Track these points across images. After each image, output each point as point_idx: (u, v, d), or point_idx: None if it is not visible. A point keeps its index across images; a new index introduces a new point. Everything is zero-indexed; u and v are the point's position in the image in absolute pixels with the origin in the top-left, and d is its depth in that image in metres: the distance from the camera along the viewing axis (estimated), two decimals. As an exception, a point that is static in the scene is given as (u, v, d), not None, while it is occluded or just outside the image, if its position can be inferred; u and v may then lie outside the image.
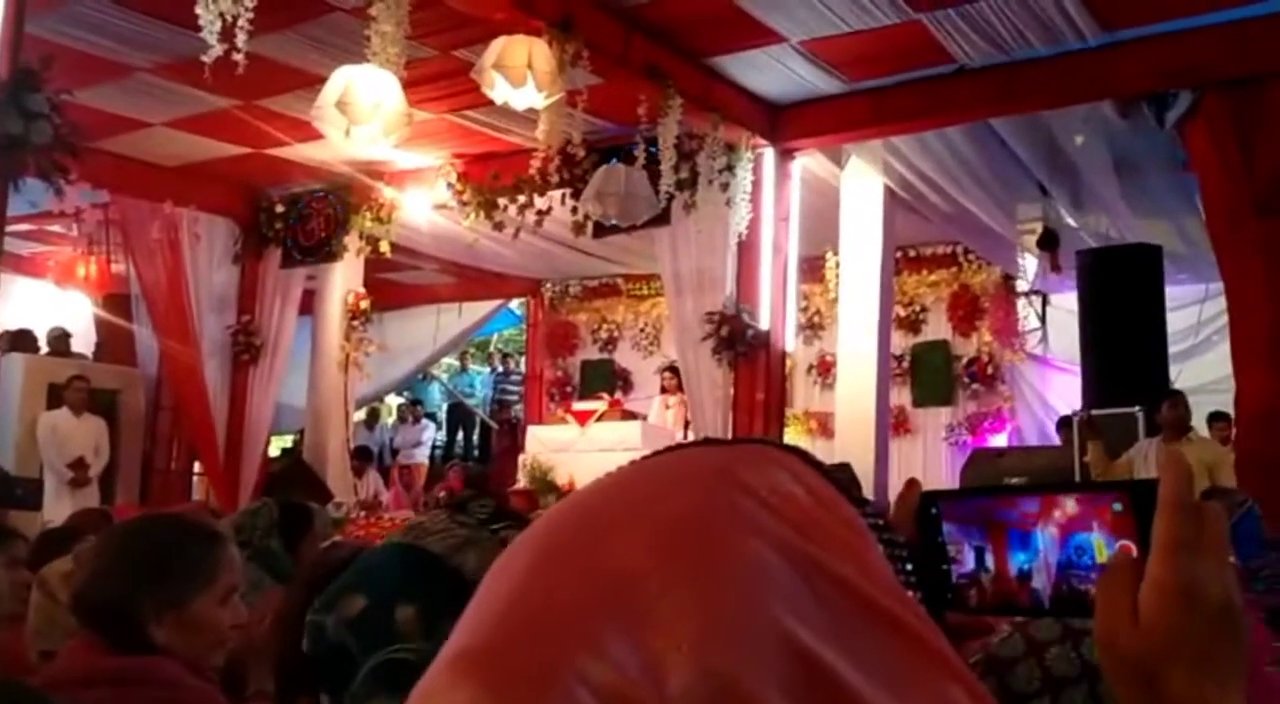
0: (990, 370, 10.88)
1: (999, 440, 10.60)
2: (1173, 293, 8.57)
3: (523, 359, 14.67)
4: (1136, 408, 6.97)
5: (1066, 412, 8.50)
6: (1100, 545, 0.72)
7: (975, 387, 10.90)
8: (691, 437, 8.82)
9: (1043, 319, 11.04)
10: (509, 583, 0.49)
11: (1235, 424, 7.24)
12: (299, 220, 9.78)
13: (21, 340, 9.98)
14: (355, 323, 9.86)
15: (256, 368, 9.85)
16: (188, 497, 10.26)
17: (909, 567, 0.60)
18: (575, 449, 8.90)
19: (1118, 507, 0.72)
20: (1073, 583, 0.73)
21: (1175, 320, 8.83)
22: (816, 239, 8.94)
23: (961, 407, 11.00)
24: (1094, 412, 7.21)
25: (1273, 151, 6.50)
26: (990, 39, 6.74)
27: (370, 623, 1.02)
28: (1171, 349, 8.23)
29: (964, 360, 11.04)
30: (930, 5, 6.38)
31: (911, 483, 0.80)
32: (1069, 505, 0.75)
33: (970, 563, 0.77)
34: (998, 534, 0.76)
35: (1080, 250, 8.40)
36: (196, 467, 10.44)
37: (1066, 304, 9.64)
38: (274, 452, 12.05)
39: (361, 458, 10.74)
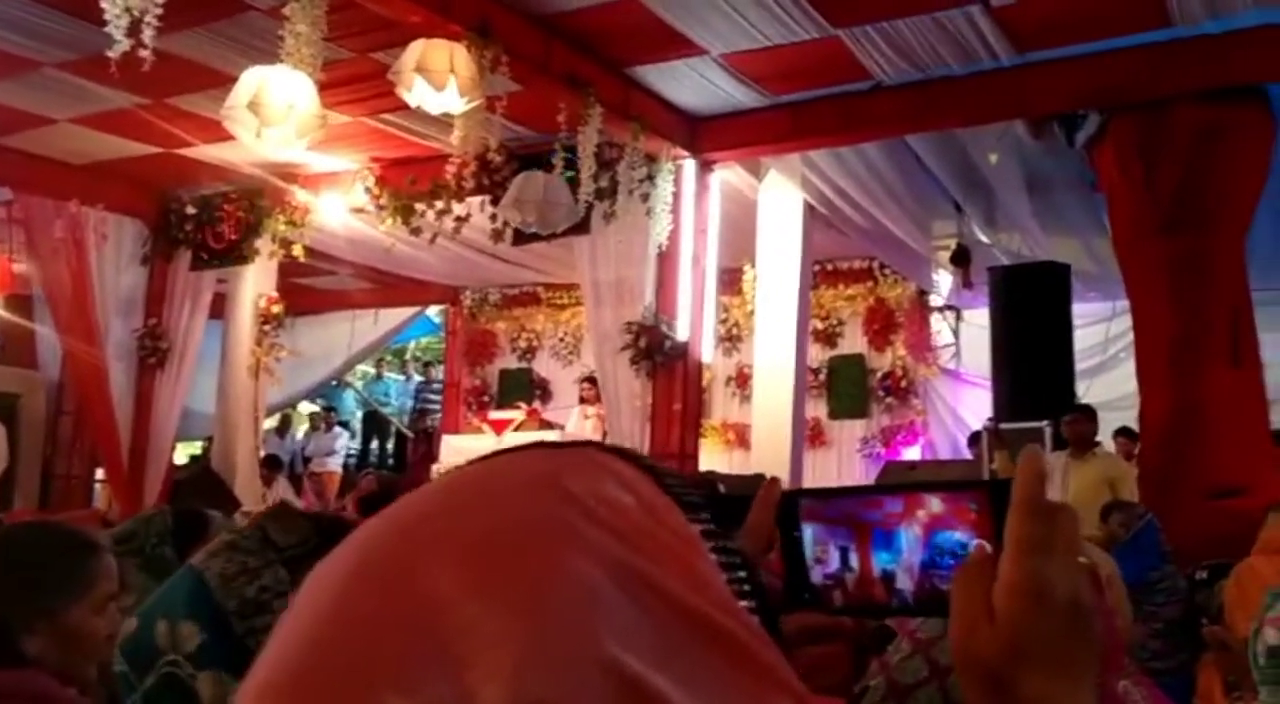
0: (904, 384, 11.02)
1: (912, 453, 10.75)
2: (1081, 310, 8.77)
3: (441, 368, 14.53)
4: (1044, 422, 7.10)
5: (978, 426, 8.64)
6: (963, 545, 0.73)
7: (889, 400, 11.04)
8: (608, 447, 8.78)
9: (956, 334, 11.23)
10: (316, 608, 0.45)
11: (1139, 439, 7.43)
12: (210, 222, 9.56)
13: (-86, 341, 9.67)
14: (267, 328, 9.67)
15: (164, 372, 9.61)
16: (88, 504, 9.97)
17: (743, 574, 0.58)
18: (491, 459, 8.81)
19: (973, 506, 0.72)
20: (935, 583, 0.73)
21: (1083, 337, 9.04)
22: (735, 251, 8.99)
23: (876, 419, 11.13)
24: (1002, 425, 7.34)
25: (1175, 173, 6.68)
26: (907, 57, 6.83)
27: (136, 643, 1.07)
28: (1079, 365, 8.42)
29: (879, 374, 11.18)
30: (849, 22, 6.45)
31: (773, 482, 0.79)
32: (933, 505, 0.75)
33: (835, 563, 0.76)
34: (862, 534, 0.76)
35: (992, 267, 8.56)
36: (99, 473, 10.14)
37: (979, 319, 9.81)
38: (181, 458, 11.78)
39: (271, 466, 10.52)
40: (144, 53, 4.73)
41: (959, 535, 0.74)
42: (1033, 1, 6.11)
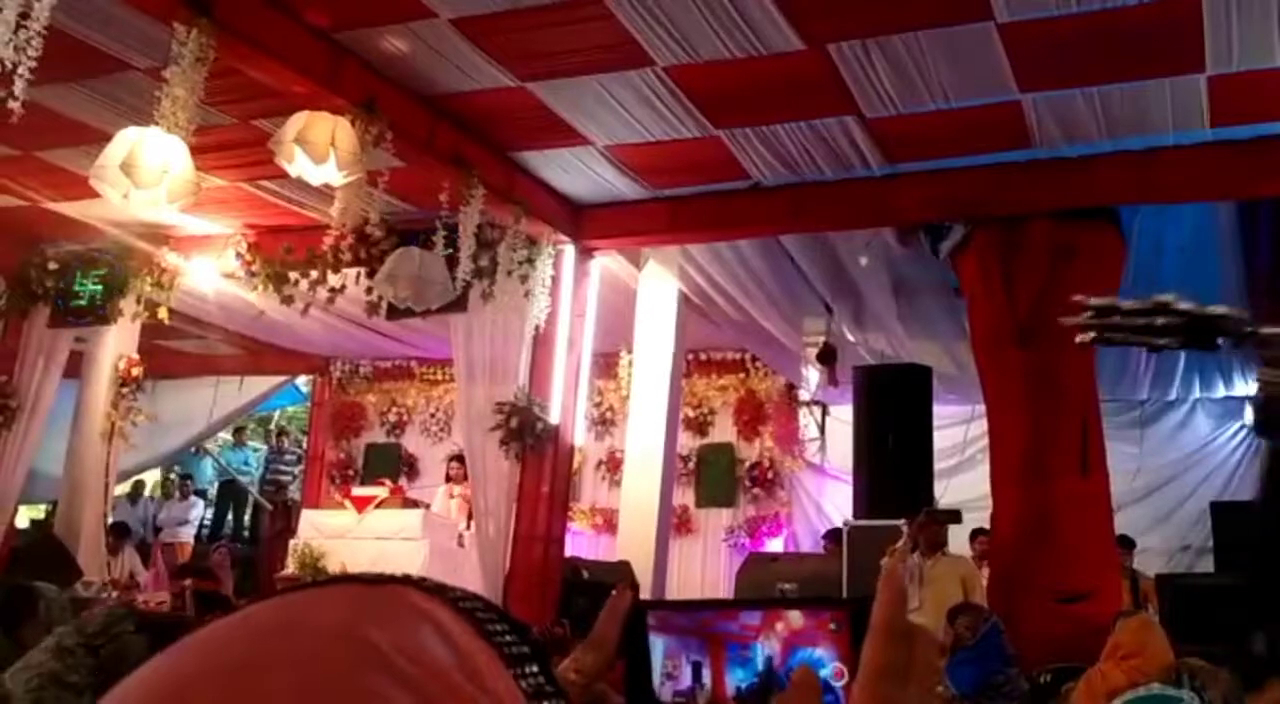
0: (771, 475, 11.17)
1: (775, 544, 10.85)
2: (941, 411, 9.03)
3: (304, 438, 14.19)
4: (901, 521, 7.25)
5: (839, 520, 8.78)
6: (824, 663, 0.70)
7: (756, 490, 11.17)
8: (474, 528, 8.68)
9: (822, 429, 11.46)
10: None
11: (991, 540, 7.64)
12: (72, 279, 9.24)
13: None
14: (125, 390, 9.33)
15: (10, 431, 9.16)
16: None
17: None
18: (351, 536, 8.61)
19: (834, 625, 0.71)
20: None
21: (943, 438, 9.29)
22: (613, 336, 9.06)
23: (742, 509, 11.23)
24: (859, 523, 7.49)
25: (1033, 287, 6.99)
26: (784, 160, 7.06)
27: None
28: (938, 465, 8.64)
29: (747, 464, 11.31)
30: (729, 123, 6.65)
31: (622, 592, 0.76)
32: (793, 618, 0.72)
33: (687, 679, 0.73)
34: (716, 648, 0.73)
35: (858, 366, 8.78)
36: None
37: (845, 415, 10.04)
38: (23, 522, 11.20)
39: (118, 534, 10.08)
40: (14, 105, 4.60)
41: (820, 652, 0.72)
42: (904, 116, 6.39)
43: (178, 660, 0.44)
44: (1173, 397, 11.11)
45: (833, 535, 8.33)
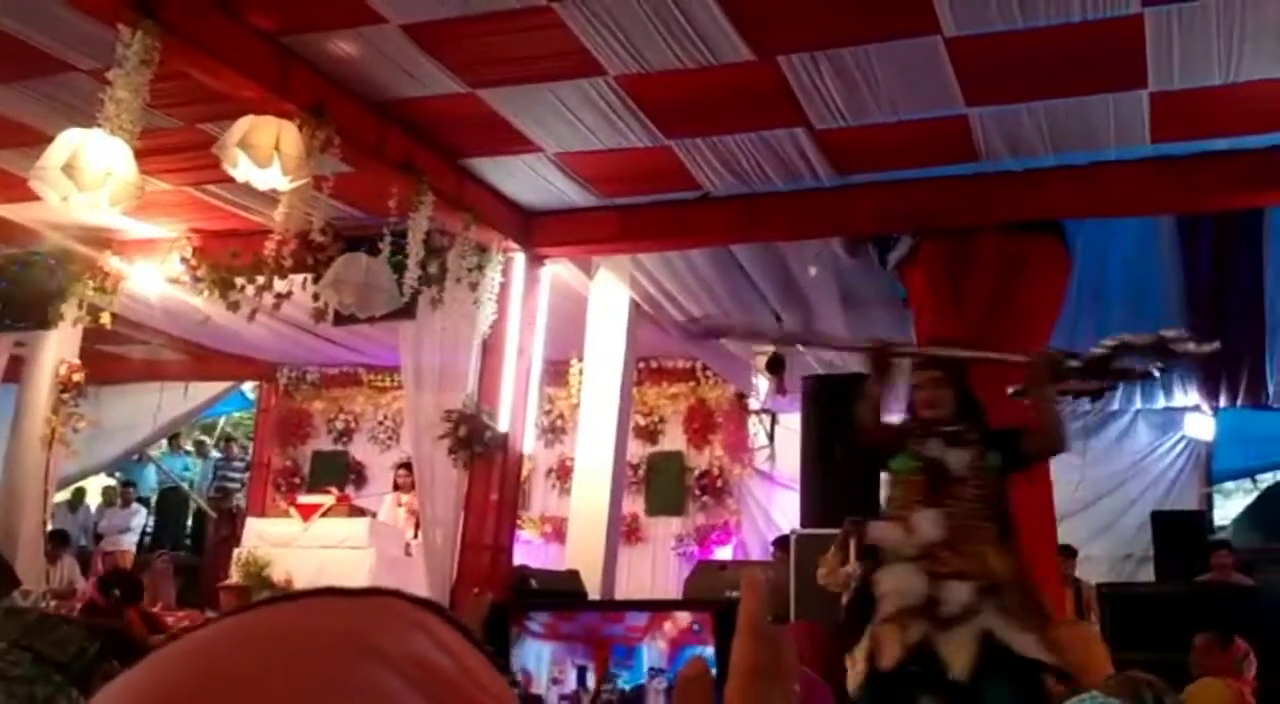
0: (720, 483, 11.20)
1: (725, 552, 10.88)
2: (889, 421, 9.10)
3: (250, 445, 14.02)
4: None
5: (788, 527, 8.81)
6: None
7: (705, 499, 11.19)
8: (421, 537, 8.62)
9: (771, 437, 11.50)
10: None
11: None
12: (11, 283, 9.06)
13: None
14: (66, 396, 9.16)
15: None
16: None
17: None
18: (296, 545, 8.50)
19: (697, 627, 0.74)
20: None
21: (890, 447, 9.36)
22: (564, 344, 9.04)
23: (692, 517, 11.25)
24: (806, 531, 7.52)
25: (980, 298, 7.08)
26: (734, 171, 7.09)
27: None
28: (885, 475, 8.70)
29: (696, 472, 11.33)
30: (680, 133, 6.67)
31: (480, 593, 0.78)
32: (681, 617, 0.75)
33: (572, 683, 0.75)
34: (601, 651, 0.75)
35: (806, 375, 8.83)
36: None
37: (794, 424, 10.08)
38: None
39: (57, 542, 9.90)
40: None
41: (710, 650, 0.74)
42: (853, 128, 6.44)
43: (171, 672, 0.44)
44: (1115, 408, 11.28)
45: (781, 543, 8.36)
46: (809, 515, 7.85)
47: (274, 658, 0.44)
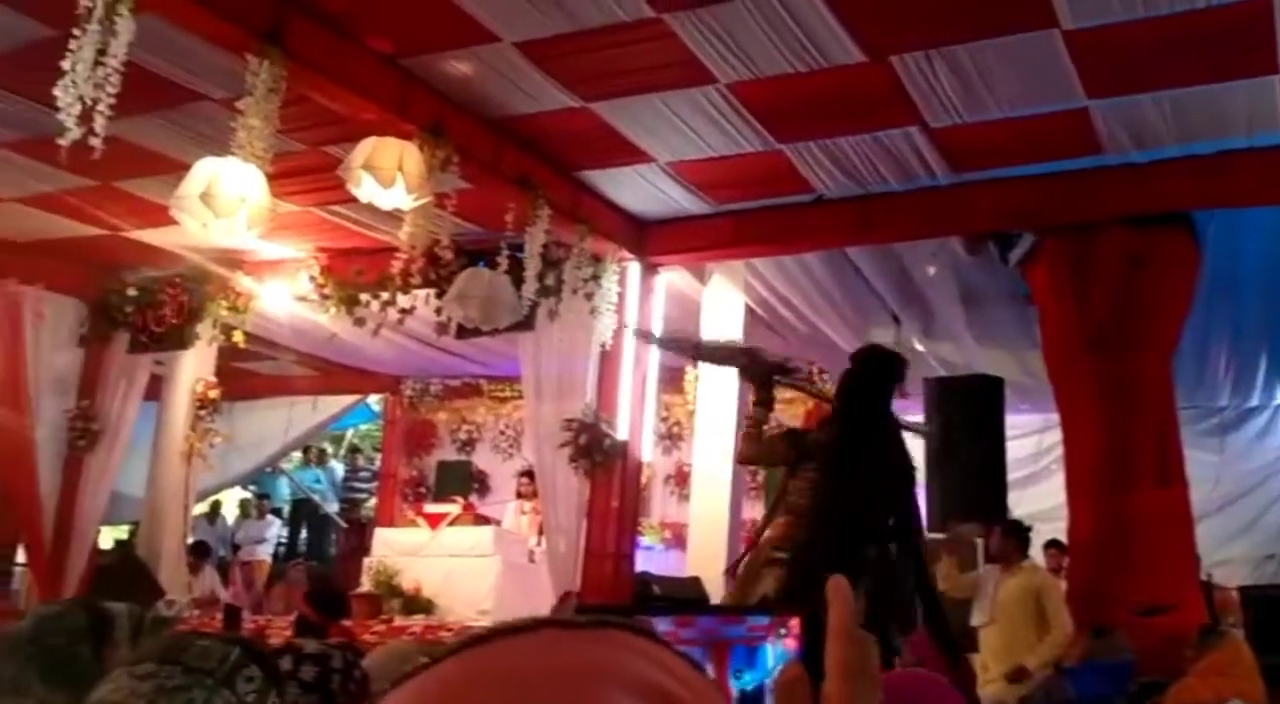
0: (841, 488, 11.08)
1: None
2: (1015, 421, 8.92)
3: (376, 456, 14.38)
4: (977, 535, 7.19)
5: (912, 532, 8.69)
6: None
7: (826, 504, 11.08)
8: (545, 543, 8.73)
9: (892, 440, 11.33)
10: None
11: (1068, 553, 7.53)
12: (151, 305, 9.47)
13: None
14: (203, 412, 9.55)
15: (93, 455, 9.41)
16: (7, 588, 9.67)
17: None
18: (424, 553, 8.70)
19: (782, 631, 0.76)
20: None
21: (1016, 448, 9.18)
22: (678, 351, 9.07)
23: (812, 522, 11.15)
24: (932, 535, 7.42)
25: (1106, 295, 6.90)
26: (848, 172, 7.04)
27: None
28: (1012, 475, 8.53)
29: (816, 477, 11.22)
30: (792, 138, 6.65)
31: (568, 596, 0.80)
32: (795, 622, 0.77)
33: None
34: (720, 651, 0.76)
35: (927, 377, 8.71)
36: (20, 556, 9.85)
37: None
38: (107, 543, 11.48)
39: (198, 553, 10.30)
40: (95, 141, 4.72)
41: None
42: (969, 125, 6.34)
43: None
44: (1254, 403, 10.86)
45: (905, 549, 8.25)
46: (933, 518, 7.74)
47: (531, 697, 0.47)
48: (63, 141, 4.58)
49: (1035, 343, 7.99)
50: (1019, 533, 6.88)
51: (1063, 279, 7.13)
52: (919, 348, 9.46)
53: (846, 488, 4.78)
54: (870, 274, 8.48)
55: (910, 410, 9.75)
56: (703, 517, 8.46)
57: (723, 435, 8.41)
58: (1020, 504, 8.60)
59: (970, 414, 7.90)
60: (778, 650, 0.75)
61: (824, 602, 0.70)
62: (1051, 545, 8.43)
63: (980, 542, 7.62)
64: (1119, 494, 6.70)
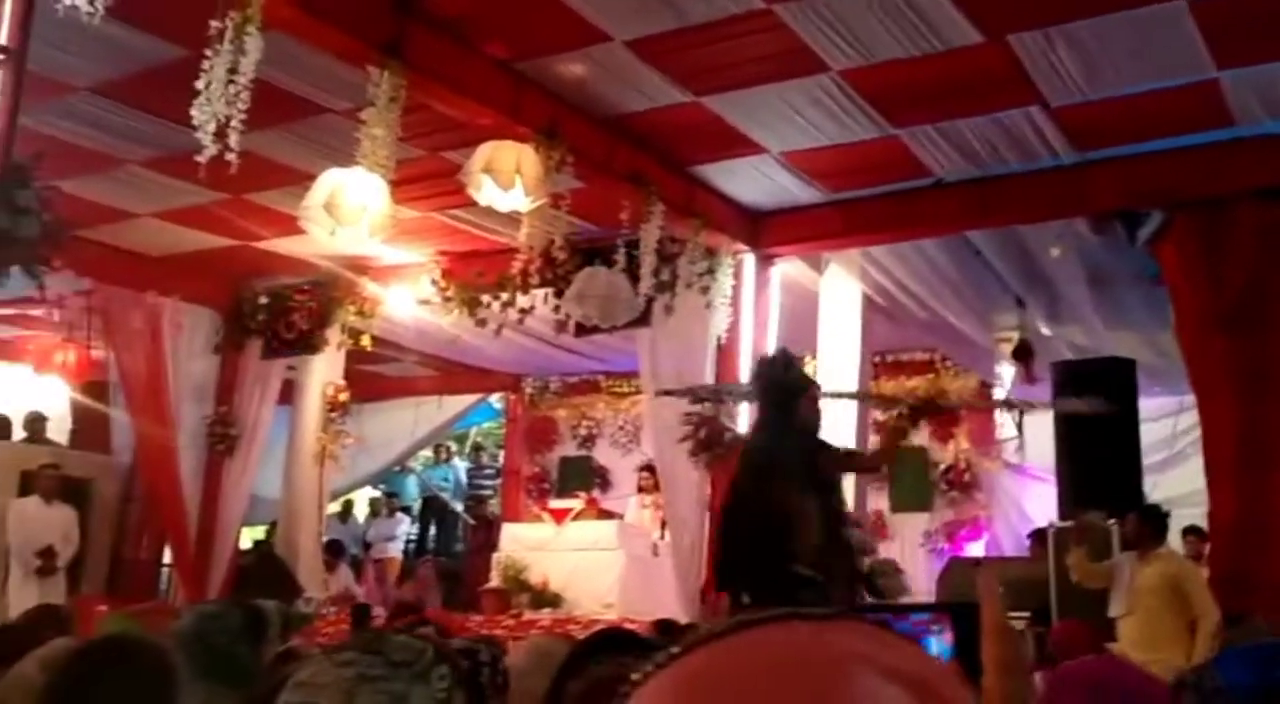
0: (967, 478, 10.89)
1: (976, 549, 10.58)
2: (1148, 405, 8.65)
3: (499, 453, 14.61)
4: (1110, 521, 6.99)
5: (1043, 522, 8.50)
6: None
7: (953, 494, 10.90)
8: (668, 537, 8.78)
9: (1019, 428, 11.10)
10: None
11: (1209, 539, 7.28)
12: (281, 312, 9.80)
13: (-5, 425, 9.94)
14: (333, 415, 9.85)
15: (232, 459, 9.78)
16: (155, 588, 10.11)
17: None
18: (551, 548, 8.83)
19: (938, 627, 0.77)
20: None
21: (1151, 432, 8.89)
22: (796, 342, 8.94)
23: (939, 513, 10.99)
24: (1062, 524, 7.25)
25: (1239, 272, 6.65)
26: (966, 154, 6.91)
27: None
28: (1146, 460, 8.28)
29: (942, 467, 11.06)
30: (908, 122, 6.56)
31: (717, 598, 0.81)
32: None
33: None
34: None
35: (1055, 362, 8.50)
36: (166, 557, 10.29)
37: (1044, 413, 9.71)
38: (246, 543, 11.91)
39: (333, 552, 10.62)
40: (230, 156, 4.90)
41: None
42: (1092, 102, 6.17)
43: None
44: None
45: (1038, 537, 8.08)
46: (1067, 508, 7.56)
47: (799, 683, 0.48)
48: (200, 158, 4.76)
49: (1166, 323, 7.73)
50: (1155, 519, 6.64)
51: (1194, 257, 6.88)
52: (1045, 332, 9.24)
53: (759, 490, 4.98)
54: (992, 258, 8.31)
55: (1038, 395, 9.57)
56: (826, 508, 8.39)
57: (845, 426, 8.32)
58: (1156, 489, 8.33)
59: (1101, 398, 7.68)
60: (941, 644, 0.77)
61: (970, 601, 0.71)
62: (1190, 532, 8.15)
63: (1114, 529, 7.40)
64: (1258, 477, 6.45)
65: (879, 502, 10.88)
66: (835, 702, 0.47)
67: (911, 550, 10.91)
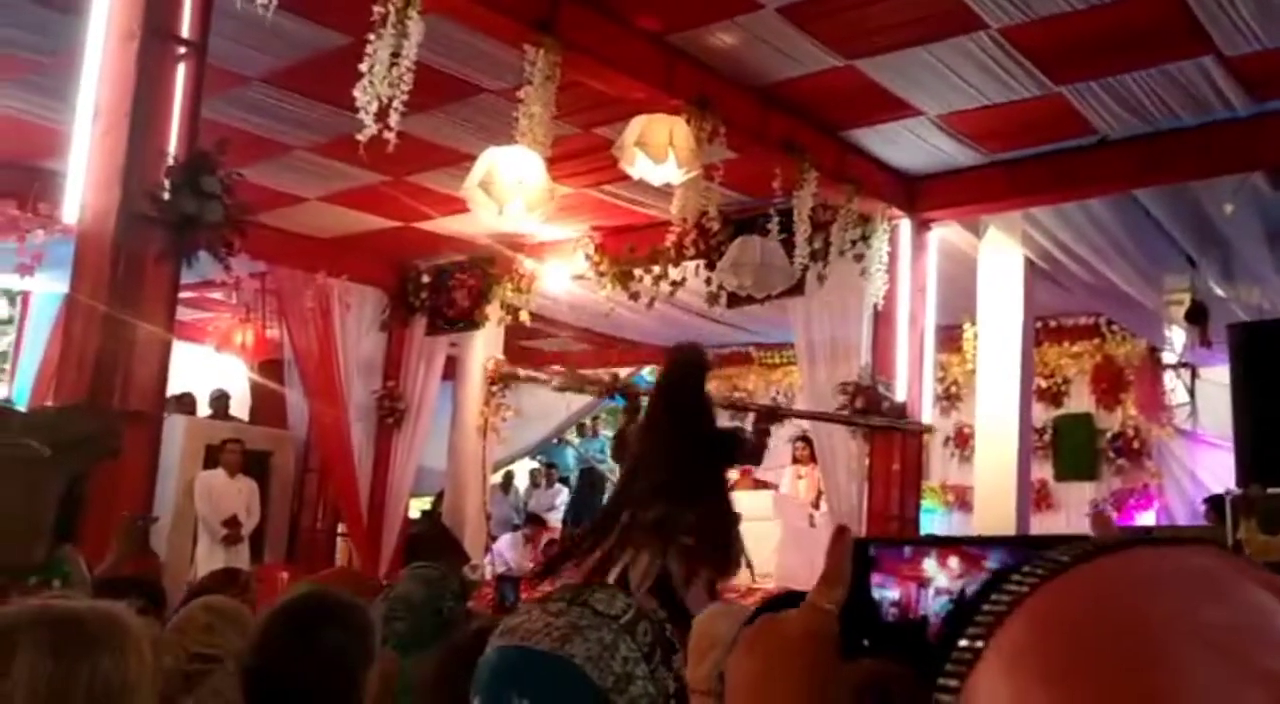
0: (1136, 445, 10.52)
1: (1146, 519, 10.23)
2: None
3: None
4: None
5: (1218, 489, 8.17)
6: None
7: (1121, 462, 10.55)
8: (824, 508, 8.75)
9: (1191, 393, 10.66)
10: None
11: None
12: (443, 290, 10.11)
13: (182, 403, 10.50)
14: (494, 389, 10.11)
15: (400, 432, 10.16)
16: (331, 557, 10.57)
17: None
18: (707, 518, 8.88)
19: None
20: None
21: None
22: (954, 308, 8.83)
23: (1106, 482, 10.66)
24: (1240, 492, 6.93)
25: None
26: (1134, 110, 6.64)
27: None
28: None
29: (1109, 434, 10.71)
30: (1072, 79, 6.34)
31: (842, 529, 0.81)
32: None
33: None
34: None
35: (1232, 324, 8.11)
36: (340, 527, 10.76)
37: (1217, 377, 9.31)
38: (414, 513, 12.33)
39: (534, 523, 11.12)
40: (389, 136, 5.07)
41: None
42: (1271, 50, 5.85)
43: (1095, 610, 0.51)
44: None
45: (1214, 504, 7.76)
46: (1246, 475, 7.23)
47: (1195, 589, 0.50)
48: (360, 137, 4.95)
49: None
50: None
51: (1387, 209, 6.49)
52: (1219, 293, 8.83)
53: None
54: (1162, 217, 7.97)
55: (1215, 361, 9.16)
56: (989, 478, 8.25)
57: (1008, 393, 8.16)
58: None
59: (1283, 361, 7.31)
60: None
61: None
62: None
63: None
64: None
65: (1042, 470, 10.61)
66: (1237, 600, 0.49)
67: (1078, 520, 10.61)
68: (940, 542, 0.82)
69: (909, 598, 0.78)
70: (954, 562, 0.78)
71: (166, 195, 4.31)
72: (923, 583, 0.78)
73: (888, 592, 0.78)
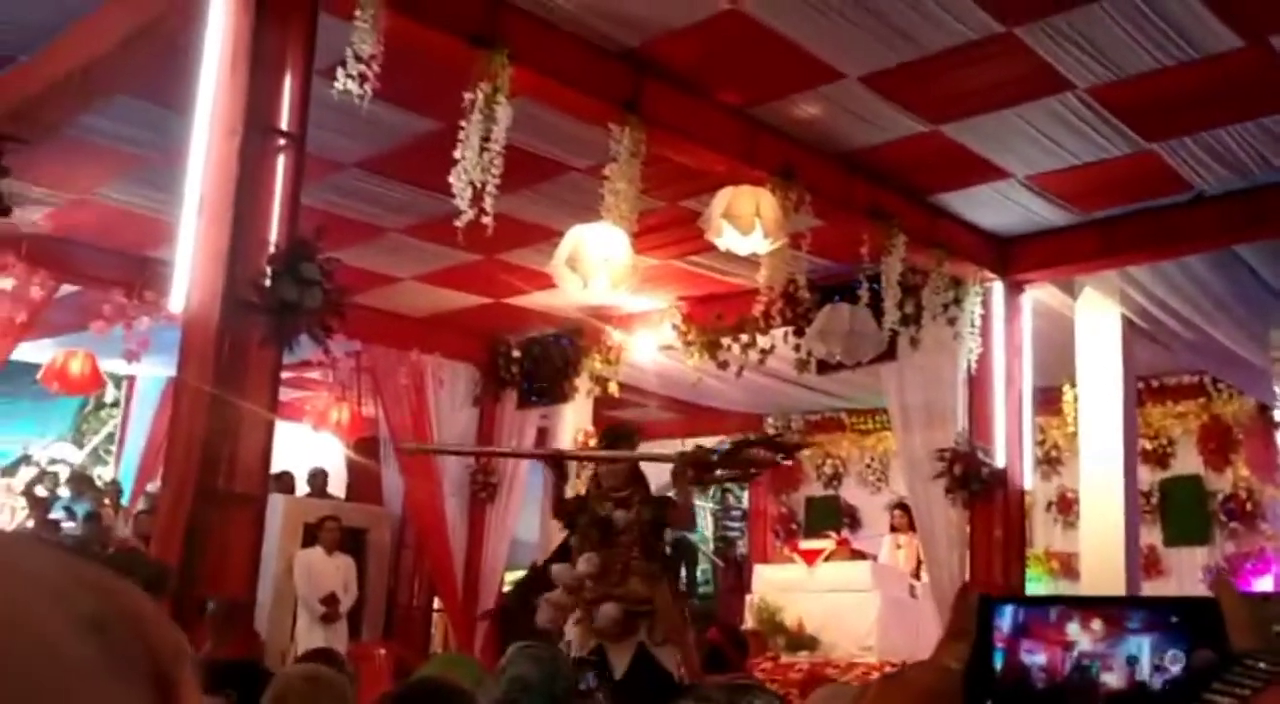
0: (1249, 507, 10.13)
1: (1264, 583, 9.80)
2: None
3: (744, 494, 14.62)
4: None
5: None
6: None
7: (1233, 525, 10.16)
8: (925, 578, 8.56)
9: (1306, 451, 10.26)
10: None
11: None
12: (533, 363, 10.20)
13: (281, 482, 10.70)
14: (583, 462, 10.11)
15: (493, 506, 10.20)
16: (428, 633, 10.60)
17: None
18: (804, 589, 8.76)
19: (1174, 618, 0.77)
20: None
21: None
22: (1051, 370, 8.65)
23: (1219, 546, 10.26)
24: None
25: None
26: (1230, 165, 6.52)
27: None
28: None
29: (1219, 496, 10.33)
30: (1165, 136, 6.25)
31: (966, 586, 0.82)
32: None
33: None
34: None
35: (1345, 379, 7.84)
36: (436, 602, 10.80)
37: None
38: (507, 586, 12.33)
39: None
40: (486, 219, 5.16)
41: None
42: (1373, 97, 5.71)
43: None
44: None
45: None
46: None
47: None
48: (459, 223, 5.05)
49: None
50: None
51: None
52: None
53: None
54: (1264, 271, 7.77)
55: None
56: (1095, 544, 8.00)
57: (1112, 456, 7.93)
58: None
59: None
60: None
61: None
62: None
63: None
64: None
65: (1151, 535, 10.26)
66: None
67: (1191, 585, 10.21)
68: (1076, 601, 0.83)
69: (1055, 662, 0.77)
70: (1097, 624, 0.78)
71: (268, 283, 4.43)
72: (1067, 646, 0.77)
73: (1036, 657, 0.78)
